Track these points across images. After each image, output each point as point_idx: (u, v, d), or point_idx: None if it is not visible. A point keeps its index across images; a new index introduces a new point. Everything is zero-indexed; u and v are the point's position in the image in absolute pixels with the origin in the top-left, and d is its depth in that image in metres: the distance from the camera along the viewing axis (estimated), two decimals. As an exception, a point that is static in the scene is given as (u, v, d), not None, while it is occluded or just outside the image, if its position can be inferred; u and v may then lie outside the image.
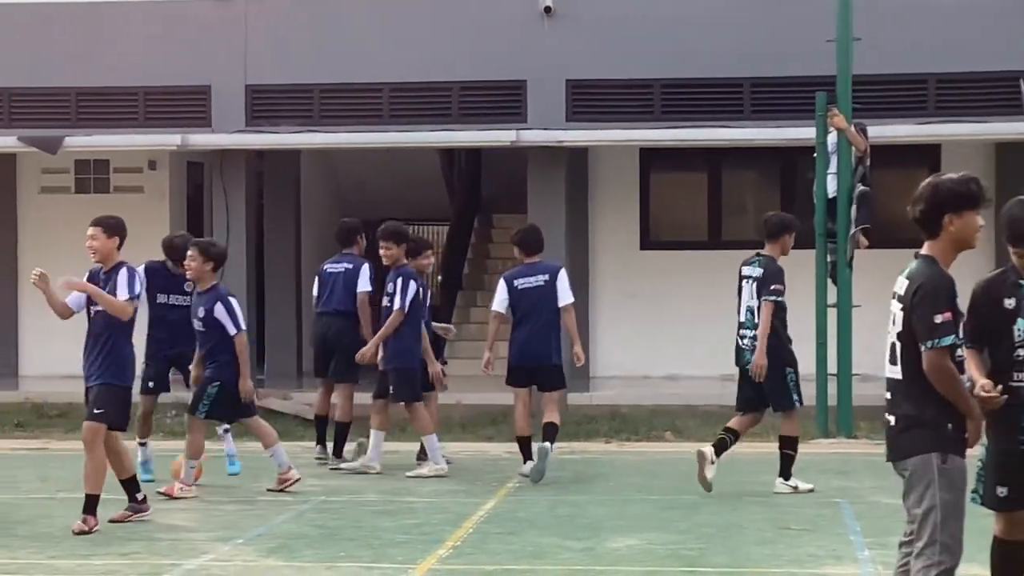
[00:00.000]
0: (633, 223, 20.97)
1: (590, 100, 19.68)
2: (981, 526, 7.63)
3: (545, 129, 19.28)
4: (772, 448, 15.81)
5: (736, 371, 13.12)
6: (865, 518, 11.48)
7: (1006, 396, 7.01)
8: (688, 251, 20.87)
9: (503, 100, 19.79)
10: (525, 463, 13.72)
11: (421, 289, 14.05)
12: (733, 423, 12.94)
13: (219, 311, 12.70)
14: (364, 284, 14.66)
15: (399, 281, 13.91)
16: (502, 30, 19.70)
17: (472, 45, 19.73)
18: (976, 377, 7.07)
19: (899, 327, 6.90)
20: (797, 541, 10.77)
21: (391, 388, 13.89)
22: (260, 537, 11.08)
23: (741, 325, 12.94)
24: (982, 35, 18.90)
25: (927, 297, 6.77)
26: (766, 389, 12.74)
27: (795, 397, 12.77)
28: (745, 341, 12.88)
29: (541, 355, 13.76)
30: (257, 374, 20.10)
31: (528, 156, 19.51)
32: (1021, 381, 7.14)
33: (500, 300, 13.86)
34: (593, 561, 10.14)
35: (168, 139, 19.85)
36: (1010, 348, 7.17)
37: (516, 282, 13.85)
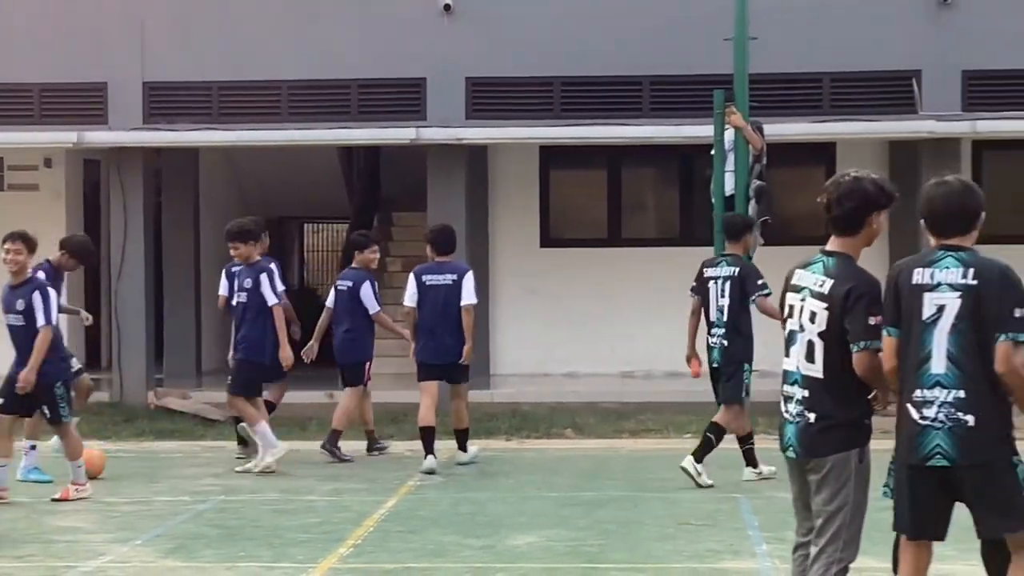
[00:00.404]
0: (533, 221, 21.03)
1: (490, 98, 19.69)
2: (876, 520, 7.72)
3: (445, 127, 19.26)
4: (673, 445, 15.99)
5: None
6: (763, 513, 11.60)
7: None
8: (588, 248, 20.97)
9: (402, 98, 19.75)
10: (427, 457, 13.91)
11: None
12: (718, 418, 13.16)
13: (36, 301, 12.32)
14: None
15: (260, 277, 14.22)
16: (401, 28, 19.66)
17: (371, 43, 19.67)
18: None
19: (821, 326, 6.92)
20: (696, 536, 10.86)
21: (231, 376, 14.46)
22: (158, 538, 11.00)
23: (713, 324, 13.05)
24: (876, 35, 19.12)
25: (863, 299, 6.82)
26: (722, 381, 12.92)
27: (743, 394, 12.96)
28: (714, 340, 13.07)
29: (452, 352, 14.09)
30: (155, 373, 19.98)
31: (428, 154, 19.49)
32: None
33: (410, 294, 14.22)
34: (493, 559, 10.16)
35: (64, 137, 19.60)
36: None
37: (424, 278, 14.18)
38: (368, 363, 15.13)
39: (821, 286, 6.93)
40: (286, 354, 14.22)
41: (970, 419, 6.62)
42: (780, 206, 18.96)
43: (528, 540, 10.76)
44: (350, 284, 15.18)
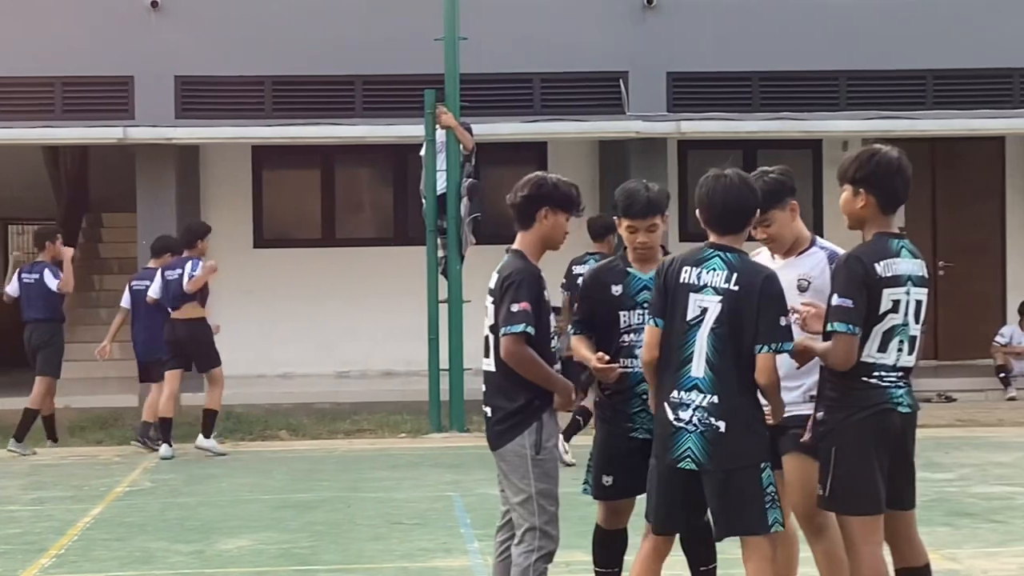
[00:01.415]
0: (246, 221, 20.81)
1: (200, 97, 19.40)
2: (583, 514, 7.83)
3: (153, 127, 18.90)
4: (387, 444, 16.00)
5: None
6: (475, 510, 11.67)
7: (625, 369, 7.20)
8: (302, 249, 20.83)
9: (109, 96, 19.32)
10: (163, 446, 14.96)
11: None
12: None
13: None
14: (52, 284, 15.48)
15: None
16: (108, 25, 19.22)
17: (77, 39, 19.18)
18: (588, 356, 7.25)
19: (491, 320, 7.05)
20: (409, 535, 10.86)
21: None
22: None
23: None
24: (584, 36, 19.44)
25: (511, 287, 6.92)
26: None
27: None
28: None
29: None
30: None
31: (136, 154, 19.09)
32: (628, 367, 7.25)
33: (154, 288, 15.34)
34: (202, 564, 10.00)
35: None
36: (617, 334, 7.34)
37: (166, 273, 15.16)
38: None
39: (492, 282, 7.08)
40: None
41: (722, 425, 6.56)
42: (492, 206, 19.16)
43: (239, 544, 10.61)
44: (148, 283, 15.53)
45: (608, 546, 7.55)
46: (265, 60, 19.34)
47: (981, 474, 13.23)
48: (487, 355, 7.07)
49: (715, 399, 6.56)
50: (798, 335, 6.70)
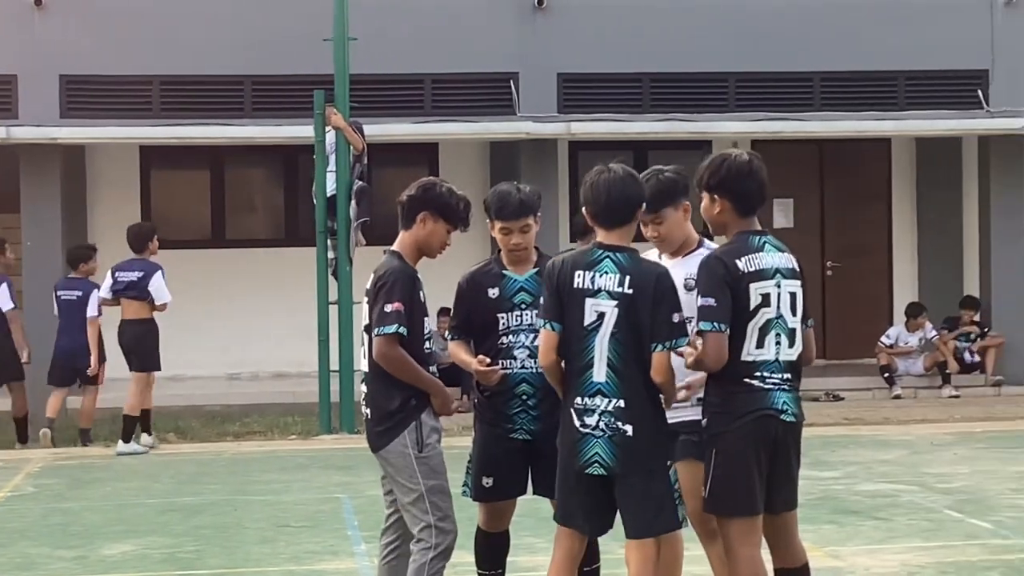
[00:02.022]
0: (134, 221, 20.49)
1: (86, 96, 19.14)
2: (470, 515, 7.81)
3: (38, 126, 18.61)
4: (277, 447, 15.89)
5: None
6: (364, 512, 11.60)
7: (504, 371, 7.20)
8: (192, 250, 20.62)
9: (-9, 96, 19.02)
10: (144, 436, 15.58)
11: None
12: None
13: None
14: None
15: None
16: (-9, 22, 18.93)
17: (-42, 37, 18.87)
18: (468, 360, 7.23)
19: (365, 321, 7.05)
20: (296, 538, 10.78)
21: None
22: None
23: None
24: (474, 37, 19.43)
25: (384, 287, 6.89)
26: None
27: None
28: None
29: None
30: None
31: (20, 154, 18.81)
32: (507, 368, 7.26)
33: (106, 287, 15.61)
34: (85, 570, 9.87)
35: None
36: (496, 337, 7.33)
37: (118, 274, 15.53)
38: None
39: (370, 283, 7.06)
40: None
41: (629, 429, 6.53)
42: (385, 207, 19.10)
43: (123, 549, 10.49)
44: (79, 293, 15.96)
45: (490, 549, 7.56)
46: (153, 59, 19.12)
47: (866, 472, 13.38)
48: (364, 356, 7.07)
49: (621, 403, 6.54)
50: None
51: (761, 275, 6.51)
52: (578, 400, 6.59)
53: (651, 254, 7.09)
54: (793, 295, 6.59)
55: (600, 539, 7.16)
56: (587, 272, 6.59)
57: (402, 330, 6.84)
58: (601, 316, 6.55)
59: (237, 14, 19.32)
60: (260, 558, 10.15)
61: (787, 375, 6.55)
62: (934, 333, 19.79)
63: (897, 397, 19.19)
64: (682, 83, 19.78)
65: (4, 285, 15.91)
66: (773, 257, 6.58)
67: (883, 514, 11.20)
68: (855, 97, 19.97)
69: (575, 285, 6.59)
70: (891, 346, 19.69)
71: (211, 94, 19.39)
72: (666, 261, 6.98)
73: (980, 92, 20.03)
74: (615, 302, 6.53)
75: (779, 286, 6.55)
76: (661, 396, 6.64)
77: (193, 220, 20.99)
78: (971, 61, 20.05)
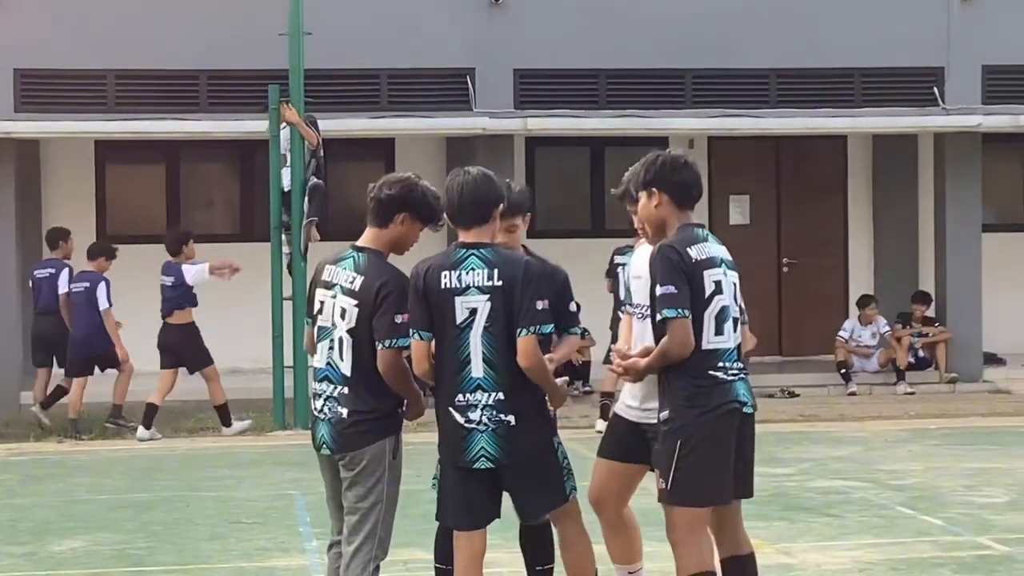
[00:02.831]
0: (89, 216, 20.42)
1: (40, 90, 18.97)
2: (425, 511, 7.80)
3: (-8, 120, 18.50)
4: (230, 443, 15.83)
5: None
6: (316, 509, 11.47)
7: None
8: (148, 245, 20.46)
9: (-55, 90, 18.86)
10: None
11: None
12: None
13: None
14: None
15: None
16: (-58, 13, 18.76)
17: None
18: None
19: (351, 323, 6.84)
20: (248, 534, 10.76)
21: None
22: None
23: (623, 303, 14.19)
24: (431, 32, 19.35)
25: (391, 296, 6.76)
26: None
27: None
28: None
29: None
30: None
31: (-29, 149, 18.66)
32: None
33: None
34: (34, 566, 9.82)
35: None
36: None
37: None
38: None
39: (348, 281, 6.89)
40: None
41: (512, 419, 6.71)
42: (341, 201, 19.07)
43: (73, 545, 10.44)
44: (86, 284, 16.64)
45: (451, 543, 7.53)
46: (108, 53, 18.98)
47: (820, 469, 13.41)
48: (341, 357, 6.86)
49: (500, 395, 6.72)
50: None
51: (712, 263, 6.68)
52: (459, 398, 6.75)
53: (646, 247, 7.14)
54: (735, 285, 6.79)
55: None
56: (453, 271, 6.76)
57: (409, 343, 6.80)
58: (473, 312, 6.73)
59: (193, 8, 19.18)
60: (210, 555, 10.12)
61: (740, 363, 6.71)
62: (887, 328, 19.85)
63: (852, 394, 19.25)
64: (639, 79, 19.77)
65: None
66: (716, 248, 6.78)
67: (835, 511, 11.23)
68: (811, 94, 20.00)
69: (443, 286, 6.76)
70: (848, 340, 19.76)
71: (166, 88, 19.26)
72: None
73: (936, 89, 20.09)
74: (486, 296, 6.71)
75: (725, 275, 6.72)
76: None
77: (148, 214, 20.85)
78: (927, 58, 20.11)
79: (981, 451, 14.45)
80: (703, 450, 6.52)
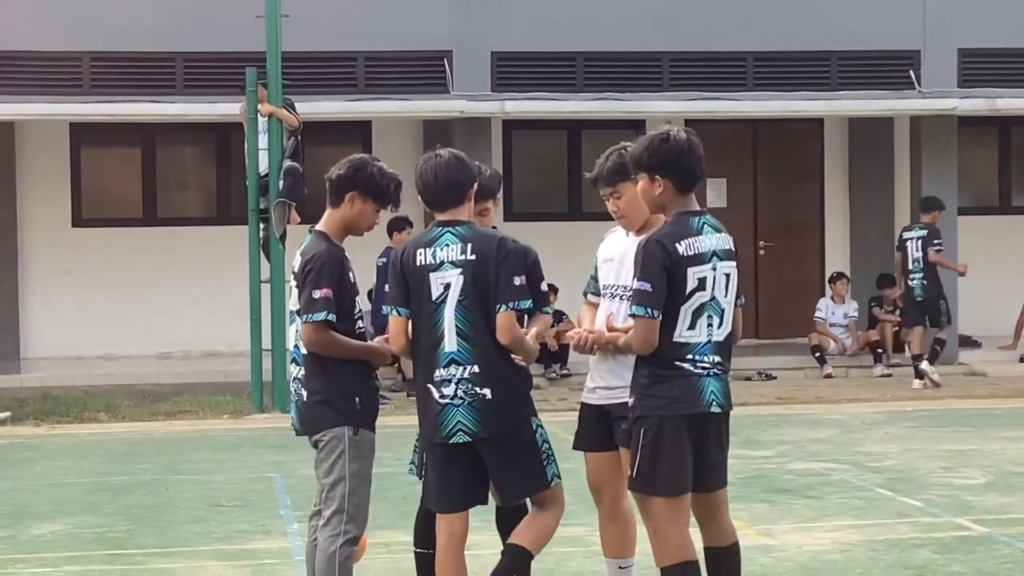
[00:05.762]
0: (64, 199, 20.36)
1: (14, 72, 18.92)
2: (406, 494, 7.80)
3: (-34, 103, 18.42)
4: (209, 426, 15.80)
5: None
6: (296, 491, 11.55)
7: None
8: (123, 228, 20.45)
9: (-81, 72, 18.78)
10: None
11: None
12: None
13: None
14: None
15: None
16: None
17: None
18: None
19: (295, 303, 6.98)
20: (228, 517, 10.74)
21: None
22: None
23: (911, 271, 18.42)
24: (408, 15, 19.34)
25: (311, 272, 6.83)
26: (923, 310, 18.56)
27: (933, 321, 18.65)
28: (914, 281, 18.33)
29: None
30: None
31: (-51, 130, 18.61)
32: None
33: None
34: (14, 550, 9.78)
35: None
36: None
37: None
38: None
39: (296, 264, 7.00)
40: None
41: (487, 392, 6.73)
42: (318, 184, 18.96)
43: (52, 529, 10.40)
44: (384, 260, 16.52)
45: (432, 526, 7.52)
46: (83, 35, 18.92)
47: (798, 451, 13.45)
48: (297, 339, 6.98)
49: (475, 368, 6.75)
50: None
51: (699, 259, 6.52)
52: (436, 373, 6.78)
53: (618, 233, 7.09)
54: (728, 276, 6.61)
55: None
56: (428, 249, 6.81)
57: (331, 317, 6.80)
58: (447, 287, 6.76)
59: (169, -10, 19.14)
60: (191, 537, 10.10)
61: (717, 358, 6.57)
62: (855, 314, 19.92)
63: (829, 376, 19.30)
64: (616, 62, 19.78)
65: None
66: (711, 239, 6.58)
67: (815, 493, 11.26)
68: (788, 77, 20.04)
69: (418, 263, 6.81)
70: (825, 320, 19.85)
71: (142, 71, 19.21)
72: (632, 238, 6.97)
73: (912, 72, 20.15)
74: (459, 270, 6.75)
75: (715, 269, 6.56)
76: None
77: (124, 198, 20.79)
78: (903, 42, 20.16)
79: (958, 433, 14.50)
80: (657, 441, 6.48)
